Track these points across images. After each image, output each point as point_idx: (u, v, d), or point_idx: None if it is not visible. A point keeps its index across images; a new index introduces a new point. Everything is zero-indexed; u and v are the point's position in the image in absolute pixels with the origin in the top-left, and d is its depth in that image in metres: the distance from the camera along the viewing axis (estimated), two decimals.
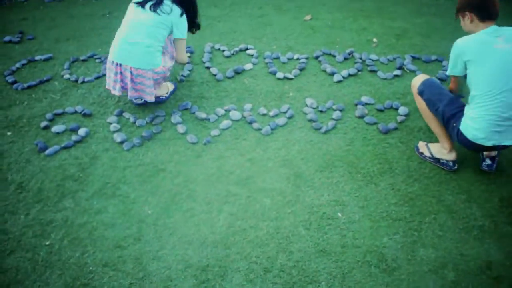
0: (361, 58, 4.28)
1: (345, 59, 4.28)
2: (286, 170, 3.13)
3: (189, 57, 4.25)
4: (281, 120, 3.53)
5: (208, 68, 4.13)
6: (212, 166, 3.17)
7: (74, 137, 3.37)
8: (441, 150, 3.14)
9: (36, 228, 2.78)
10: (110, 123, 3.52)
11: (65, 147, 3.31)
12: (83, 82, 3.97)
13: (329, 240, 2.70)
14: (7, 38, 4.54)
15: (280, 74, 4.03)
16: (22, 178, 3.09)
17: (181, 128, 3.44)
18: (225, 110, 3.65)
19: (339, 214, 2.85)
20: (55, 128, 3.46)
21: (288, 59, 4.30)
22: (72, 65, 4.19)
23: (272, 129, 3.46)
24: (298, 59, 4.28)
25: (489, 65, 2.72)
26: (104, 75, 4.02)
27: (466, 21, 2.86)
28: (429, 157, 3.18)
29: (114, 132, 3.44)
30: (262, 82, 3.98)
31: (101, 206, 2.90)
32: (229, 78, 4.03)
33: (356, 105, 3.72)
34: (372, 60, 4.26)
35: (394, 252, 2.64)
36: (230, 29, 4.75)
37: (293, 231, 2.75)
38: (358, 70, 4.12)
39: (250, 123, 3.53)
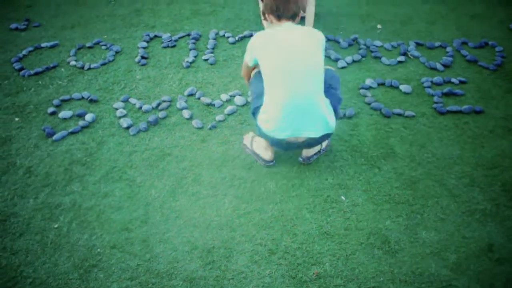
0: (365, 44, 4.28)
1: (349, 45, 4.29)
2: (289, 154, 3.16)
3: (193, 43, 4.27)
4: None
5: (212, 54, 4.16)
6: (217, 150, 3.21)
7: (81, 123, 3.41)
8: (261, 146, 3.11)
9: (45, 211, 2.83)
10: (117, 109, 3.55)
11: (72, 132, 3.35)
12: (89, 68, 4.00)
13: (332, 223, 2.74)
14: (13, 26, 4.57)
15: None
16: (30, 162, 3.14)
17: (186, 114, 3.48)
18: (230, 96, 3.68)
19: (343, 197, 2.89)
20: (62, 114, 3.50)
21: None
22: (78, 52, 4.22)
23: None
24: None
25: (269, 54, 2.79)
26: (110, 61, 4.06)
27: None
28: (249, 150, 3.18)
29: (120, 117, 3.48)
30: None
31: (108, 190, 2.95)
32: (233, 63, 4.06)
33: (360, 89, 3.74)
34: (376, 46, 4.27)
35: (397, 234, 2.67)
36: (235, 15, 4.76)
37: (297, 214, 2.79)
38: (362, 56, 4.13)
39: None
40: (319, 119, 2.80)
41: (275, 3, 2.80)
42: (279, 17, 2.83)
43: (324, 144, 3.15)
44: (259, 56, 2.81)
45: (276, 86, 2.76)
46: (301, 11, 2.93)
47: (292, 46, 2.74)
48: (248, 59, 2.96)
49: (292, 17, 2.83)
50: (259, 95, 2.92)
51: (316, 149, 3.10)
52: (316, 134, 2.83)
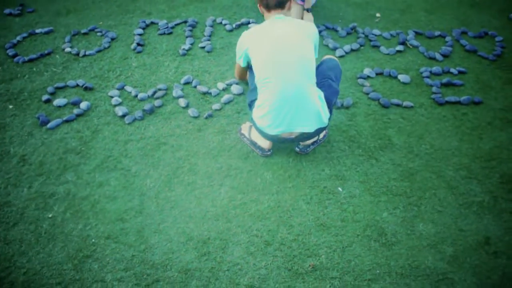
0: (363, 33, 4.24)
1: (348, 34, 4.25)
2: (286, 144, 3.14)
3: (190, 31, 4.23)
4: None
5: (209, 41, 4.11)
6: (213, 140, 3.18)
7: (75, 111, 3.37)
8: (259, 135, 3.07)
9: (39, 200, 2.80)
10: (112, 97, 3.51)
11: (67, 121, 3.31)
12: (84, 55, 3.95)
13: (329, 214, 2.72)
14: (7, 11, 4.50)
15: None
16: (24, 151, 3.10)
17: (182, 102, 3.44)
18: (227, 84, 3.64)
19: (340, 189, 2.87)
20: (57, 102, 3.46)
21: None
22: (73, 38, 4.16)
23: None
24: None
25: (261, 51, 2.80)
26: (105, 48, 4.01)
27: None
28: (247, 139, 3.14)
29: (115, 105, 3.44)
30: None
31: (103, 179, 2.92)
32: (230, 51, 4.01)
33: (358, 78, 3.71)
34: (375, 35, 4.23)
35: (394, 226, 2.66)
36: (232, 2, 4.70)
37: (294, 205, 2.77)
38: (361, 45, 4.09)
39: None
40: (312, 112, 2.79)
41: None
42: (268, 7, 2.82)
43: (322, 134, 3.13)
44: (250, 53, 2.83)
45: (267, 79, 2.75)
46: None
47: (281, 39, 2.75)
48: (240, 60, 2.98)
49: (280, 5, 2.80)
50: (255, 88, 2.91)
51: (314, 139, 3.08)
52: (309, 129, 2.83)
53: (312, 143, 3.08)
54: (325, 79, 2.96)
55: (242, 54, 2.95)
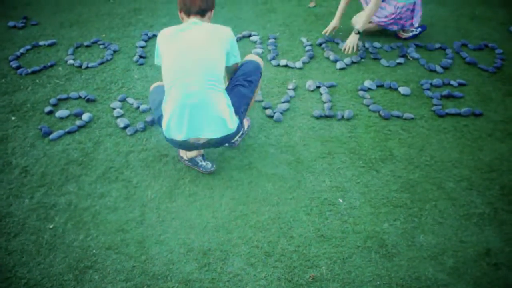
0: (364, 46, 4.27)
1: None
2: (287, 156, 3.15)
3: None
4: (283, 106, 3.54)
5: None
6: (214, 151, 3.19)
7: (78, 122, 3.39)
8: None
9: (40, 211, 2.81)
10: (114, 108, 3.53)
11: (69, 132, 3.33)
12: (87, 67, 3.98)
13: (329, 226, 2.72)
14: (11, 23, 4.55)
15: (283, 61, 4.03)
16: (26, 162, 3.12)
17: None
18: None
19: (340, 200, 2.87)
20: (59, 113, 3.48)
21: (291, 46, 4.30)
22: (76, 51, 4.20)
23: (281, 113, 3.50)
24: (304, 46, 4.27)
25: (170, 52, 2.73)
26: (108, 60, 4.04)
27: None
28: (186, 160, 3.09)
29: (117, 117, 3.46)
30: (265, 69, 3.98)
31: (104, 190, 2.93)
32: None
33: (358, 90, 3.73)
34: (376, 47, 4.26)
35: (394, 238, 2.66)
36: (234, 15, 4.75)
37: (294, 216, 2.77)
38: (361, 58, 4.12)
39: (265, 108, 3.57)
40: (216, 120, 2.74)
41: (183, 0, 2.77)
42: (187, 13, 2.77)
43: (246, 125, 3.14)
44: (161, 53, 2.78)
45: (170, 84, 2.70)
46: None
47: (190, 44, 2.68)
48: (157, 60, 2.90)
49: (200, 12, 2.75)
50: (158, 105, 2.87)
51: (239, 134, 3.09)
52: (214, 135, 2.78)
53: (239, 136, 3.11)
54: (236, 85, 2.93)
55: (156, 53, 2.85)
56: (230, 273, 2.49)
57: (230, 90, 2.92)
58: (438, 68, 3.97)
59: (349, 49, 4.06)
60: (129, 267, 2.52)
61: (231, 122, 2.79)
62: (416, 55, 4.14)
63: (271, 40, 4.31)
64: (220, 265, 2.52)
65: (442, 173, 3.04)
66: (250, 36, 4.41)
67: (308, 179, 3.00)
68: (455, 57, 4.15)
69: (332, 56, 4.10)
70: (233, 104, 2.84)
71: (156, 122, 2.99)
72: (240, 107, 2.90)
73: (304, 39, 4.36)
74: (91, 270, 2.50)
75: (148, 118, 3.40)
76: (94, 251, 2.60)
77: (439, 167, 3.09)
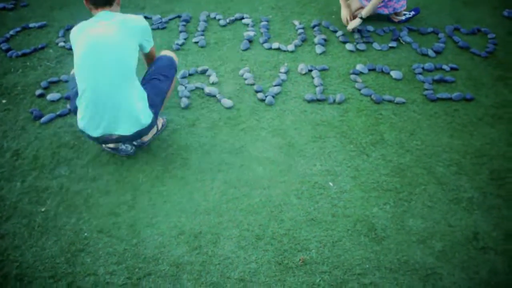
0: (358, 29, 4.25)
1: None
2: (279, 139, 3.16)
3: (184, 25, 4.23)
4: (275, 89, 3.54)
5: (203, 36, 4.12)
6: (206, 135, 3.19)
7: (69, 105, 3.38)
8: None
9: (32, 194, 2.81)
10: None
11: (60, 115, 3.32)
12: None
13: (320, 209, 2.75)
14: (0, 5, 4.49)
15: (275, 45, 4.02)
16: (17, 145, 3.11)
17: (183, 103, 3.45)
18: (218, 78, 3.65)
19: (331, 184, 2.89)
20: (50, 96, 3.46)
21: (284, 29, 4.28)
22: (66, 33, 4.16)
23: (273, 97, 3.50)
24: (296, 29, 4.26)
25: (78, 48, 2.66)
26: None
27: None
28: (106, 146, 3.06)
29: None
30: (257, 52, 3.97)
31: (96, 174, 2.93)
32: (224, 46, 4.02)
33: (350, 74, 3.73)
34: (369, 31, 4.24)
35: (384, 221, 2.69)
36: None
37: (285, 199, 2.79)
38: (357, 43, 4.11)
39: (257, 91, 3.56)
40: (127, 115, 2.72)
41: None
42: (95, 4, 2.69)
43: (160, 124, 3.14)
44: (74, 49, 2.70)
45: (81, 81, 2.66)
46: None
47: (99, 40, 2.61)
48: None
49: (107, 2, 2.69)
50: (74, 96, 2.83)
51: (152, 132, 3.07)
52: (127, 132, 2.77)
53: (153, 136, 3.09)
54: (152, 79, 2.93)
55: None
56: (221, 256, 2.51)
57: (145, 83, 2.91)
58: (430, 52, 3.97)
59: (352, 29, 4.14)
60: (120, 250, 2.54)
61: (145, 117, 2.79)
62: (408, 39, 4.13)
63: (263, 23, 4.29)
64: (211, 248, 2.54)
65: (432, 158, 3.07)
66: (242, 18, 4.38)
67: (299, 162, 3.02)
68: (448, 41, 4.14)
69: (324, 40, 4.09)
70: (148, 97, 2.83)
71: (73, 112, 2.92)
72: (155, 100, 2.89)
73: (296, 22, 4.33)
74: (83, 253, 2.52)
75: None
76: (86, 234, 2.61)
77: (430, 152, 3.11)
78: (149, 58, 3.02)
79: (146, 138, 3.06)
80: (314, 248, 2.55)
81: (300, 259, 2.50)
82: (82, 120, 2.75)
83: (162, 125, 3.17)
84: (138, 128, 2.79)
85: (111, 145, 3.01)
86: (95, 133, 2.76)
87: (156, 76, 2.94)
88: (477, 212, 2.75)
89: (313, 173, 2.95)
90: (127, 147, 3.01)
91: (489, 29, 4.29)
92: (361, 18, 4.03)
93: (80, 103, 2.72)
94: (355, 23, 4.06)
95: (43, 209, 2.73)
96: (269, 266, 2.47)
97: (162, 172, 2.95)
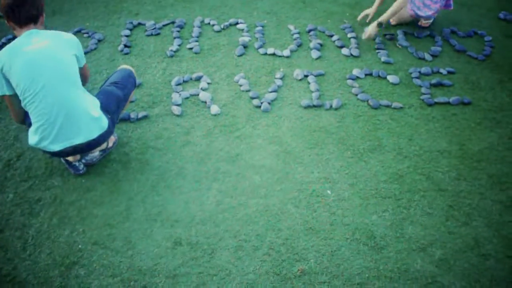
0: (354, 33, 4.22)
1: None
2: (275, 147, 3.12)
3: (178, 31, 4.19)
4: (271, 95, 3.50)
5: (197, 42, 4.08)
6: (201, 143, 3.15)
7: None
8: None
9: (25, 206, 2.76)
10: None
11: None
12: None
13: (318, 218, 2.71)
14: None
15: (270, 50, 3.98)
16: (10, 156, 3.06)
17: (176, 110, 3.41)
18: (208, 84, 3.61)
19: (329, 192, 2.85)
20: None
21: (279, 34, 4.24)
22: None
23: (268, 104, 3.46)
24: (291, 34, 4.22)
25: (17, 69, 2.51)
26: (92, 49, 3.97)
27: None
28: (63, 159, 2.98)
29: None
30: (252, 57, 3.93)
31: (89, 184, 2.89)
32: (218, 52, 3.98)
33: (347, 79, 3.69)
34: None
35: (383, 229, 2.65)
36: (220, 2, 4.67)
37: (282, 208, 2.75)
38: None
39: (252, 97, 3.52)
40: (85, 120, 2.67)
41: (7, 7, 2.52)
42: (19, 23, 2.57)
43: (111, 142, 3.06)
44: (7, 74, 2.54)
45: (30, 98, 2.55)
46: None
47: (39, 55, 2.53)
48: (3, 89, 2.61)
49: (32, 19, 2.59)
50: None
51: (102, 147, 2.98)
52: (90, 136, 2.71)
53: (100, 153, 3.01)
54: (106, 87, 2.91)
55: (2, 82, 2.58)
56: (218, 267, 2.47)
57: (98, 93, 2.88)
58: (427, 56, 3.94)
59: (368, 37, 4.09)
60: (116, 262, 2.49)
61: (103, 120, 2.75)
62: (405, 43, 4.10)
63: (258, 28, 4.25)
64: (207, 259, 2.50)
65: (431, 163, 3.03)
66: (237, 24, 4.34)
67: (296, 170, 2.98)
68: (444, 45, 4.12)
69: (319, 45, 4.05)
70: (101, 104, 2.79)
71: (27, 126, 2.82)
72: (109, 106, 2.84)
73: (291, 27, 4.30)
74: (77, 266, 2.47)
75: (133, 114, 3.35)
76: (80, 246, 2.56)
77: (428, 157, 3.07)
78: (83, 75, 2.88)
79: (95, 153, 2.97)
80: (312, 258, 2.51)
81: (298, 269, 2.46)
82: (40, 140, 2.65)
83: (114, 143, 3.09)
84: (100, 131, 2.73)
85: (71, 158, 2.91)
86: (58, 147, 2.67)
87: (111, 85, 2.93)
88: (477, 219, 2.72)
89: (310, 180, 2.91)
90: (80, 165, 2.93)
91: (485, 31, 4.27)
92: (379, 25, 3.99)
93: (33, 123, 2.64)
94: (371, 30, 4.02)
95: (36, 221, 2.68)
96: (267, 277, 2.43)
97: (157, 181, 2.90)
